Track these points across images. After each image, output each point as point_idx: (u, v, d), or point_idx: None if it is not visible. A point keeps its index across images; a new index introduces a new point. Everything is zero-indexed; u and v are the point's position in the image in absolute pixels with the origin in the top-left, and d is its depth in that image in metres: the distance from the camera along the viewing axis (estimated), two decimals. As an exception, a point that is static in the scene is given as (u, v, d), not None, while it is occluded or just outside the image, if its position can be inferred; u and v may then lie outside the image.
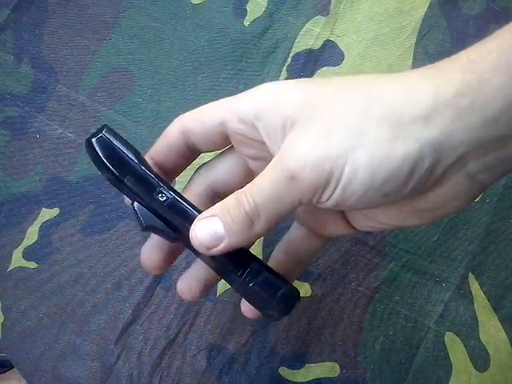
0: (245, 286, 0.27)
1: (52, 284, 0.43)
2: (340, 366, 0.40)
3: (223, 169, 0.29)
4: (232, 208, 0.24)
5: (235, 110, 0.26)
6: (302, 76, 0.45)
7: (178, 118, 0.28)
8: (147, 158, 0.28)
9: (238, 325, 0.41)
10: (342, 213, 0.28)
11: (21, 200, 0.45)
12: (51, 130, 0.46)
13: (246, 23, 0.46)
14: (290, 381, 0.40)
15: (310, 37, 0.46)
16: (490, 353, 0.39)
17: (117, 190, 0.27)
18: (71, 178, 0.45)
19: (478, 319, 0.39)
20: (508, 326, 0.39)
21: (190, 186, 0.30)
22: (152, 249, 0.29)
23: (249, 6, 0.46)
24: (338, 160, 0.21)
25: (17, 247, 0.44)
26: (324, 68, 0.45)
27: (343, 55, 0.45)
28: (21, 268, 0.44)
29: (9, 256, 0.44)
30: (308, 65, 0.45)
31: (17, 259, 0.44)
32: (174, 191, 0.26)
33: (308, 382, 0.40)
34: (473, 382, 0.39)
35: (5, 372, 0.43)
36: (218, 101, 0.27)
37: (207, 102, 0.28)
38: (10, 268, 0.44)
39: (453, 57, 0.22)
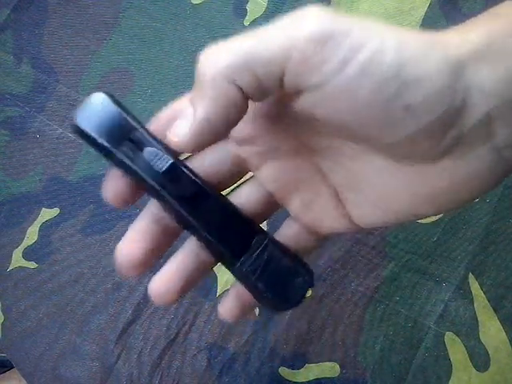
0: (246, 278, 0.23)
1: (52, 284, 0.43)
2: (340, 366, 0.40)
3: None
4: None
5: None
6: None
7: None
8: None
9: (238, 325, 0.41)
10: (341, 206, 0.23)
11: (21, 200, 0.45)
12: (51, 129, 0.46)
13: (246, 23, 0.46)
14: (290, 381, 0.40)
15: (310, 37, 0.45)
16: (489, 353, 0.39)
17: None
18: (71, 177, 0.45)
19: (478, 319, 0.39)
20: (508, 326, 0.39)
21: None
22: (136, 238, 0.23)
23: (249, 6, 0.46)
24: (362, 29, 0.17)
25: (17, 247, 0.44)
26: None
27: (343, 55, 0.45)
28: (21, 268, 0.44)
29: (9, 256, 0.44)
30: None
31: (17, 259, 0.44)
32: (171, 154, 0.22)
33: (308, 382, 0.40)
34: (473, 381, 0.39)
35: (5, 372, 0.43)
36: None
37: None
38: (10, 268, 0.44)
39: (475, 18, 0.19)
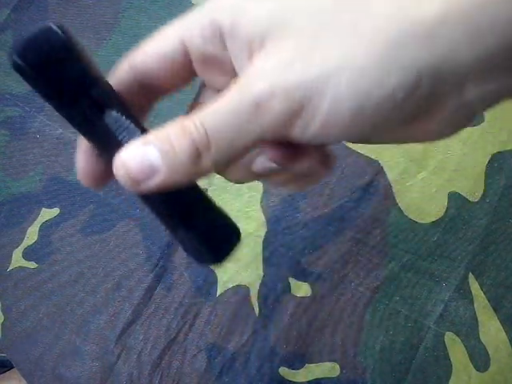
0: (175, 228, 0.22)
1: (52, 284, 0.43)
2: (340, 366, 0.40)
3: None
4: (174, 134, 0.19)
5: (197, 24, 0.21)
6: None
7: (126, 57, 0.23)
8: None
9: (238, 325, 0.41)
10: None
11: (21, 200, 0.45)
12: (51, 130, 0.46)
13: (246, 23, 0.46)
14: (290, 381, 0.40)
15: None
16: (489, 353, 0.39)
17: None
18: (71, 177, 0.45)
19: (478, 319, 0.39)
20: (508, 326, 0.39)
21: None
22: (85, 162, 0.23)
23: (249, 6, 0.46)
24: (317, 86, 0.17)
25: (17, 247, 0.44)
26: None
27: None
28: (21, 268, 0.44)
29: (9, 256, 0.44)
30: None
31: (17, 259, 0.44)
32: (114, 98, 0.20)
33: (308, 382, 0.40)
34: (473, 381, 0.39)
35: (5, 372, 0.43)
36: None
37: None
38: (10, 268, 0.44)
39: None
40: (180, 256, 0.43)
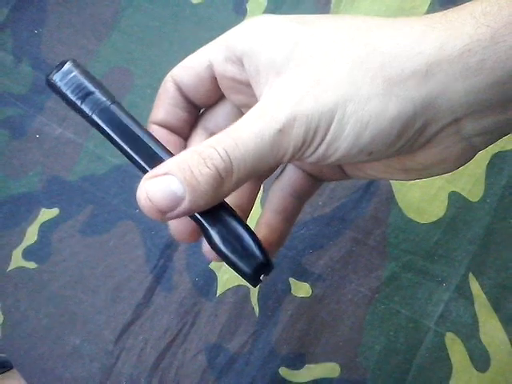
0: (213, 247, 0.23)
1: (52, 284, 0.43)
2: (340, 367, 0.40)
3: (222, 115, 0.26)
4: (195, 163, 0.20)
5: (221, 47, 0.23)
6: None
7: (170, 72, 0.25)
8: (150, 125, 0.26)
9: (238, 325, 0.41)
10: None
11: (20, 200, 0.45)
12: (50, 129, 0.46)
13: (246, 22, 0.46)
14: (291, 381, 0.40)
15: (310, 36, 0.45)
16: (490, 353, 0.39)
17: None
18: (71, 177, 0.45)
19: (479, 319, 0.39)
20: (508, 326, 0.39)
21: (191, 137, 0.26)
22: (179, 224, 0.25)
23: (249, 5, 0.46)
24: (327, 114, 0.19)
25: (16, 247, 0.44)
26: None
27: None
28: (20, 268, 0.44)
29: (8, 256, 0.44)
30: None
31: (16, 259, 0.44)
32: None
33: (308, 382, 0.40)
34: (473, 382, 0.39)
35: (4, 372, 0.43)
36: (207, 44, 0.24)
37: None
38: (10, 268, 0.44)
39: (467, 4, 0.19)
40: (180, 256, 0.43)
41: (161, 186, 0.20)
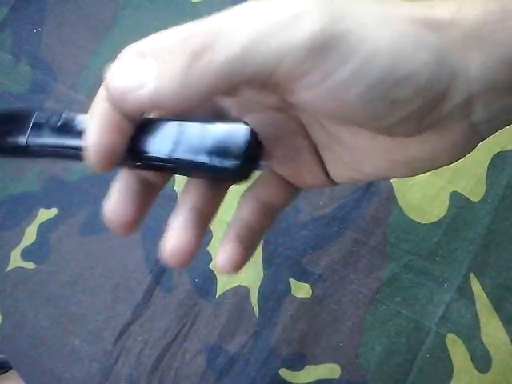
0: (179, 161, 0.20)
1: (51, 285, 0.43)
2: (341, 368, 0.40)
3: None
4: (178, 40, 0.17)
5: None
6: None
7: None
8: None
9: (238, 326, 0.41)
10: (320, 162, 0.23)
11: (19, 200, 0.45)
12: (50, 129, 0.46)
13: (246, 22, 0.46)
14: (291, 382, 0.40)
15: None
16: (491, 354, 0.39)
17: None
18: (69, 178, 0.45)
19: (480, 320, 0.39)
20: (510, 326, 0.39)
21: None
22: (122, 199, 0.23)
23: (249, 5, 0.46)
24: (359, 27, 0.17)
25: (15, 248, 0.44)
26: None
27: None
28: (19, 268, 0.43)
29: (7, 256, 0.44)
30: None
31: (15, 260, 0.44)
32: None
33: (308, 383, 0.40)
34: (474, 383, 0.39)
35: (3, 373, 0.43)
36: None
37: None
38: (9, 269, 0.44)
39: None
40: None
41: (127, 62, 0.18)
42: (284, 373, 0.40)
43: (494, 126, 0.20)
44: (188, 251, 0.22)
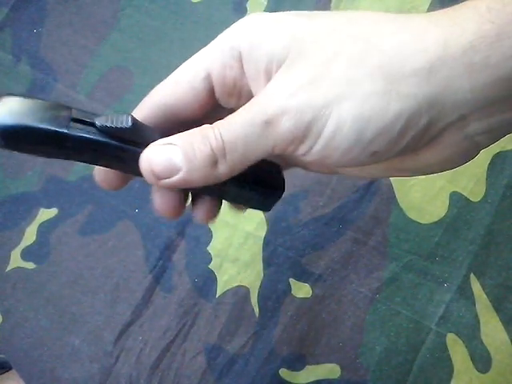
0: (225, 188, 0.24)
1: (51, 285, 0.43)
2: (341, 368, 0.40)
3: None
4: (196, 140, 0.21)
5: (217, 53, 0.22)
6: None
7: (150, 93, 0.25)
8: None
9: (238, 326, 0.41)
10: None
11: (19, 200, 0.45)
12: (50, 129, 0.46)
13: (246, 22, 0.46)
14: (291, 382, 0.40)
15: (310, 35, 0.45)
16: (491, 354, 0.39)
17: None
18: (70, 178, 0.45)
19: (480, 320, 0.39)
20: (510, 326, 0.39)
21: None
22: (164, 200, 0.25)
23: (249, 4, 0.46)
24: (322, 110, 0.19)
25: (15, 248, 0.44)
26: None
27: (344, 54, 0.45)
28: (19, 268, 0.43)
29: (7, 256, 0.44)
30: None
31: (15, 259, 0.44)
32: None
33: (308, 383, 0.40)
34: (474, 383, 0.39)
35: (3, 373, 0.43)
36: (197, 53, 0.24)
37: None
38: (9, 268, 0.44)
39: (471, 1, 0.19)
40: (179, 257, 0.43)
41: (162, 152, 0.21)
42: (284, 373, 0.40)
43: (492, 136, 0.20)
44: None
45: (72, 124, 0.21)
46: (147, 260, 0.43)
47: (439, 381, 0.39)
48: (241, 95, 0.24)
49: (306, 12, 0.22)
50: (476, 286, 0.40)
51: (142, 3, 0.47)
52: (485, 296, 0.39)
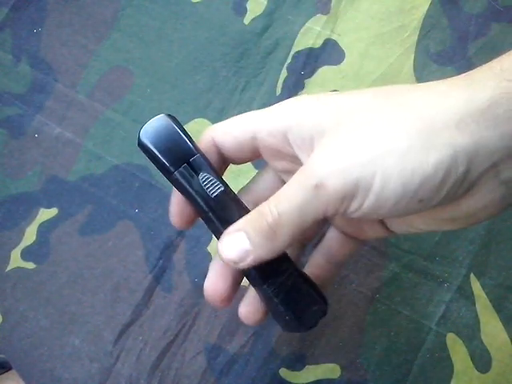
0: (270, 299, 0.27)
1: (51, 285, 0.43)
2: (341, 368, 0.40)
3: (263, 187, 0.29)
4: (255, 220, 0.24)
5: (265, 123, 0.26)
6: (302, 75, 0.45)
7: (208, 131, 0.28)
8: None
9: (238, 326, 0.41)
10: (380, 221, 0.28)
11: (19, 200, 0.45)
12: (50, 129, 0.46)
13: (246, 21, 0.46)
14: (291, 382, 0.40)
15: (310, 35, 0.45)
16: (491, 354, 0.39)
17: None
18: (70, 177, 0.45)
19: (480, 320, 0.39)
20: (510, 326, 0.39)
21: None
22: (217, 279, 0.29)
23: (249, 5, 0.46)
24: (367, 167, 0.21)
25: (15, 247, 0.44)
26: (325, 67, 0.45)
27: (344, 54, 0.45)
28: (19, 268, 0.43)
29: (7, 256, 0.44)
30: (308, 64, 0.45)
31: (15, 259, 0.43)
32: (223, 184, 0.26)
33: (308, 383, 0.40)
34: (474, 383, 0.39)
35: (3, 373, 0.43)
36: (248, 113, 0.27)
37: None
38: (9, 268, 0.43)
39: (485, 66, 0.22)
40: (180, 257, 0.43)
41: (234, 242, 0.24)
42: (284, 373, 0.40)
43: None
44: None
45: (183, 167, 0.25)
46: (147, 260, 0.43)
47: (439, 381, 0.39)
48: (287, 159, 0.27)
49: (344, 92, 0.25)
50: (476, 285, 0.40)
51: (142, 3, 0.47)
52: (485, 296, 0.40)
